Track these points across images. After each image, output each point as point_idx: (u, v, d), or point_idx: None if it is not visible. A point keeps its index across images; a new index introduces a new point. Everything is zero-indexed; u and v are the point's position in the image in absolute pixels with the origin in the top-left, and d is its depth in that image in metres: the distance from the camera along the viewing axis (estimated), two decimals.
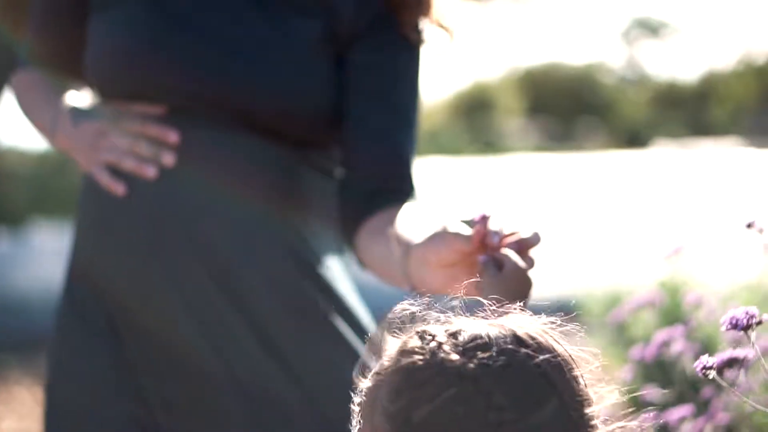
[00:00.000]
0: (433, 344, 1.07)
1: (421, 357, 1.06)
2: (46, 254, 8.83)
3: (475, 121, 34.66)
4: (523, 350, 1.06)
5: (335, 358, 1.67)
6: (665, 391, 1.87)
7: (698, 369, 1.29)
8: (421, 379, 1.05)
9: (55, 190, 10.92)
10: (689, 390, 1.80)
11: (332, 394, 1.62)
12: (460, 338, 1.07)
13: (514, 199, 14.68)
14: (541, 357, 1.06)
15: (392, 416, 1.06)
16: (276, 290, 1.70)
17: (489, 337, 1.07)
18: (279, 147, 1.71)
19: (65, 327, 1.79)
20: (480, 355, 1.05)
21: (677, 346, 1.80)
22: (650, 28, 52.26)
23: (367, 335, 1.66)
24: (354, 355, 1.65)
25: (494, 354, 1.05)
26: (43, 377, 1.85)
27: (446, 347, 1.06)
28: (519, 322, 1.10)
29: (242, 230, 1.69)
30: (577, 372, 1.09)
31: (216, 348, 1.69)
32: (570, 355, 1.09)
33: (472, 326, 1.09)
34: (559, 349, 1.09)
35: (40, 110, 1.85)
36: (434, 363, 1.06)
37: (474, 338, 1.07)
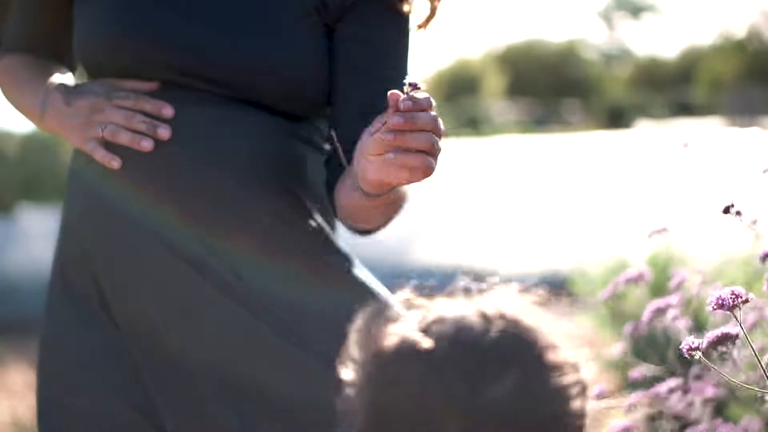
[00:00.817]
0: (401, 327, 1.07)
1: (391, 342, 1.06)
2: (35, 237, 8.82)
3: (457, 100, 34.54)
4: (483, 325, 1.04)
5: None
6: (656, 366, 1.89)
7: (685, 350, 1.30)
8: (386, 363, 1.05)
9: (42, 171, 10.86)
10: (680, 365, 1.83)
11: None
12: (426, 319, 1.07)
13: (499, 181, 14.68)
14: (500, 331, 1.04)
15: (367, 403, 1.06)
16: (277, 261, 1.71)
17: (452, 315, 1.06)
18: (270, 120, 1.72)
19: (56, 309, 1.79)
20: (436, 333, 1.04)
21: (670, 315, 1.80)
22: (629, 5, 52.21)
23: (373, 296, 1.71)
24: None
25: (449, 331, 1.04)
26: (35, 361, 1.83)
27: (411, 329, 1.06)
28: (497, 299, 1.08)
29: (237, 203, 1.70)
30: (548, 345, 1.05)
31: (221, 327, 1.69)
32: (541, 329, 1.06)
33: (443, 307, 1.08)
34: (528, 322, 1.06)
35: (27, 92, 1.84)
36: (398, 346, 1.05)
37: (437, 319, 1.06)
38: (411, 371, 1.03)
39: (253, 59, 1.69)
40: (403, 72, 1.74)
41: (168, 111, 1.69)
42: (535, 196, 12.90)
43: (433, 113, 1.37)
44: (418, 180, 1.42)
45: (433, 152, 1.38)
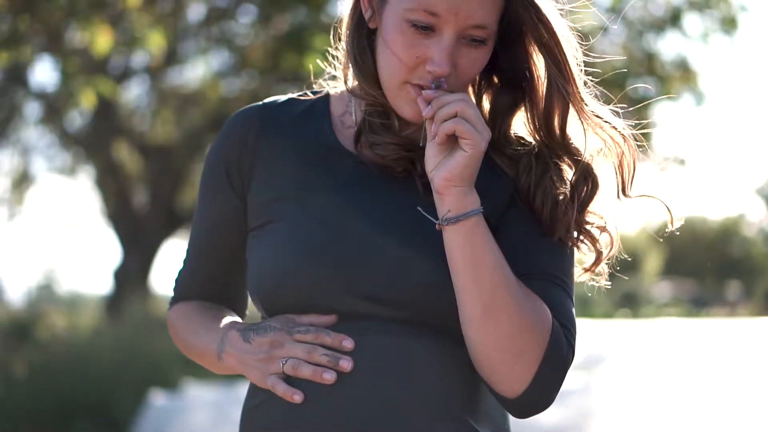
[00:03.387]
0: None
1: None
2: (199, 412, 8.97)
3: (613, 278, 34.10)
4: None
5: None
6: None
7: None
8: None
9: None
10: None
11: None
12: None
13: (661, 365, 14.38)
14: None
15: None
16: None
17: None
18: (446, 344, 1.72)
19: None
20: None
21: None
22: None
23: None
24: None
25: None
26: None
27: None
28: None
29: None
30: None
31: None
32: None
33: None
34: None
35: (203, 334, 1.86)
36: None
37: None
38: None
39: (430, 280, 1.70)
40: (553, 271, 1.73)
41: (349, 343, 1.70)
42: (699, 382, 12.56)
43: (457, 99, 1.65)
44: (464, 138, 1.63)
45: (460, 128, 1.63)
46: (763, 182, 52.93)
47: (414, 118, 1.72)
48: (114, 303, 14.91)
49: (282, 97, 1.89)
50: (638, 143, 1.77)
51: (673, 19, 12.63)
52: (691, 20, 12.97)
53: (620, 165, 1.76)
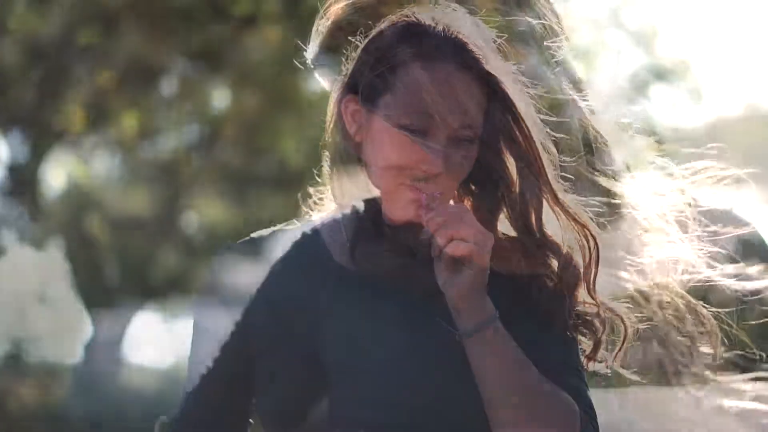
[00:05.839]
0: None
1: None
2: None
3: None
4: None
5: None
6: None
7: None
8: None
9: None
10: None
11: None
12: None
13: None
14: None
15: None
16: None
17: None
18: None
19: None
20: None
21: None
22: None
23: None
24: None
25: None
26: None
27: None
28: None
29: None
30: None
31: None
32: None
33: None
34: None
35: None
36: None
37: None
38: None
39: (446, 393, 1.69)
40: (565, 360, 1.74)
41: None
42: None
43: (451, 217, 1.66)
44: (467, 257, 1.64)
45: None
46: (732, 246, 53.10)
47: (407, 220, 1.74)
48: (84, 376, 14.76)
49: (265, 232, 1.88)
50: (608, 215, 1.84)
51: (641, 89, 12.77)
52: (659, 90, 13.13)
53: (588, 265, 1.78)
